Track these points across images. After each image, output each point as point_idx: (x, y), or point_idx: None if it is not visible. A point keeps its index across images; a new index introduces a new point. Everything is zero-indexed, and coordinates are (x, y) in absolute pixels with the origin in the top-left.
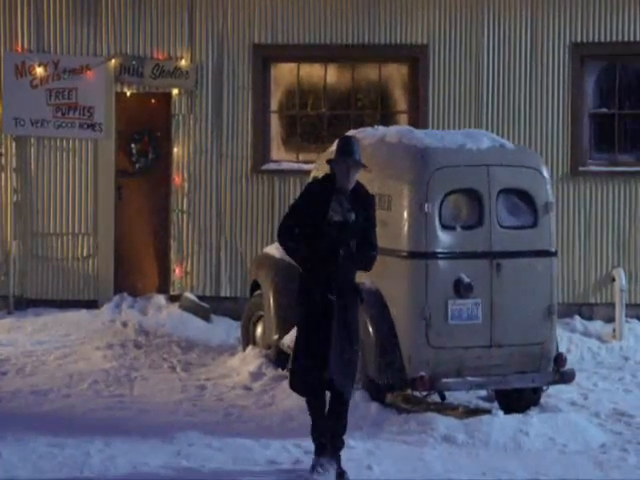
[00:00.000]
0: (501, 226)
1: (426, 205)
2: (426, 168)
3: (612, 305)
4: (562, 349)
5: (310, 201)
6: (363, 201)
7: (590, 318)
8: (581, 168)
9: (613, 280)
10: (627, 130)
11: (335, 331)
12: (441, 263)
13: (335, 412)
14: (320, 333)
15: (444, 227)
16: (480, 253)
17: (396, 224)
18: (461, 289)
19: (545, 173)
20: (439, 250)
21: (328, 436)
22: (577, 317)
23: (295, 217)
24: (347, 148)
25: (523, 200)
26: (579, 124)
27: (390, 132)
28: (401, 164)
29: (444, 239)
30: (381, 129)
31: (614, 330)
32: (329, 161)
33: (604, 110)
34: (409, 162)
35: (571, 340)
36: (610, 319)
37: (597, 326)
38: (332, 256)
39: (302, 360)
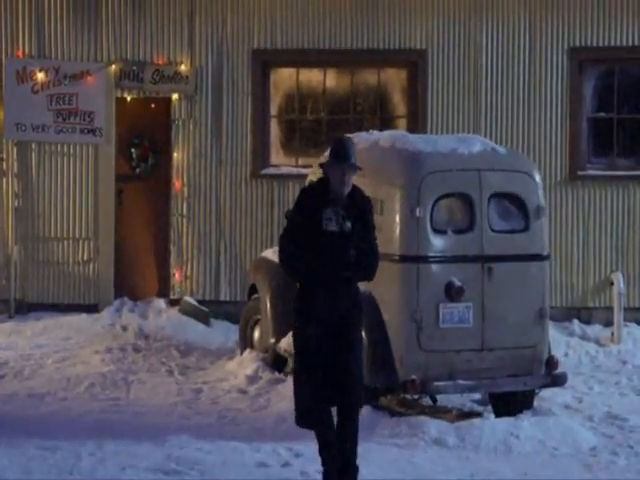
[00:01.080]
0: (492, 230)
1: (417, 209)
2: (417, 172)
3: (610, 309)
4: (560, 353)
5: (304, 211)
6: (360, 206)
7: (588, 322)
8: (579, 172)
9: (612, 284)
10: (625, 134)
11: (337, 355)
12: (432, 267)
13: (347, 426)
14: (322, 359)
15: (435, 231)
16: (471, 257)
17: (388, 228)
18: (452, 293)
19: (537, 177)
20: (430, 254)
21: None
22: (575, 321)
23: (293, 234)
24: (341, 151)
25: (514, 204)
26: (577, 128)
27: (384, 136)
28: (393, 168)
29: (435, 243)
30: (375, 133)
31: (612, 334)
32: (322, 165)
33: (602, 114)
34: (401, 166)
35: (569, 344)
36: (608, 323)
37: (595, 330)
38: (331, 271)
39: (305, 390)
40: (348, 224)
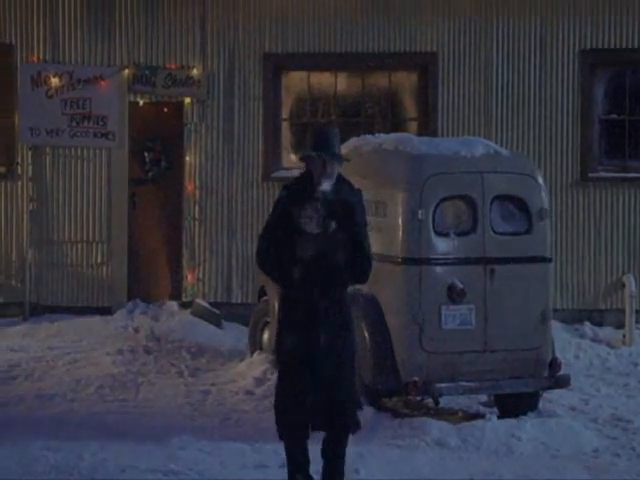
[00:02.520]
0: (495, 232)
1: (420, 211)
2: (420, 175)
3: (622, 311)
4: (571, 355)
5: (282, 209)
6: (348, 202)
7: (600, 324)
8: (591, 174)
9: (623, 286)
10: (637, 136)
11: (323, 365)
12: (435, 269)
13: (334, 452)
14: (305, 370)
15: (438, 233)
16: (474, 259)
17: (391, 230)
18: (454, 294)
19: (539, 180)
20: (433, 256)
21: None
22: (587, 323)
23: (271, 232)
24: (321, 140)
25: (517, 206)
26: (589, 130)
27: (388, 139)
28: (396, 171)
29: (438, 245)
30: (381, 136)
31: (624, 336)
32: (302, 158)
33: (614, 116)
34: (403, 169)
35: (580, 346)
36: (620, 325)
37: (607, 332)
38: (313, 277)
39: (284, 399)
40: (333, 224)
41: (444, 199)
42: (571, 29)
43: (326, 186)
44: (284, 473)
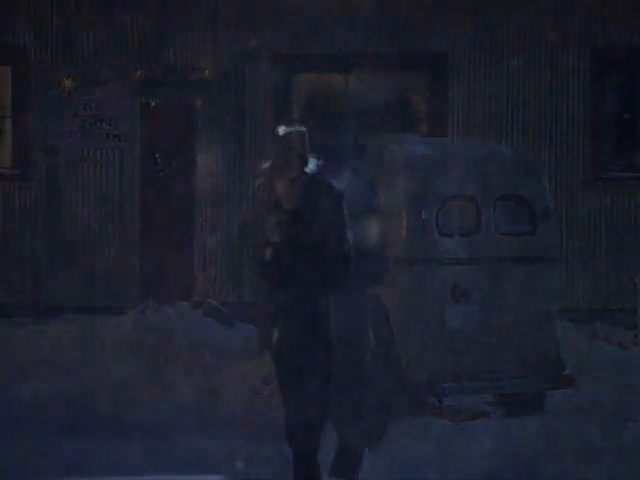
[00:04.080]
0: (498, 232)
1: (423, 212)
2: (424, 175)
3: (634, 311)
4: (581, 355)
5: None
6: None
7: (611, 324)
8: (602, 174)
9: (635, 286)
10: None
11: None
12: (438, 269)
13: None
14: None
15: (442, 234)
16: (477, 259)
17: (395, 231)
18: (458, 294)
19: (543, 180)
20: (437, 256)
21: None
22: (598, 323)
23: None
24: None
25: (521, 207)
26: (600, 130)
27: (393, 140)
28: (400, 171)
29: (442, 245)
30: (386, 137)
31: (636, 336)
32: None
33: (626, 116)
34: (407, 169)
35: (591, 346)
36: (631, 326)
37: (618, 332)
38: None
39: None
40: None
41: (448, 199)
42: (583, 28)
43: (312, 166)
44: (289, 472)
